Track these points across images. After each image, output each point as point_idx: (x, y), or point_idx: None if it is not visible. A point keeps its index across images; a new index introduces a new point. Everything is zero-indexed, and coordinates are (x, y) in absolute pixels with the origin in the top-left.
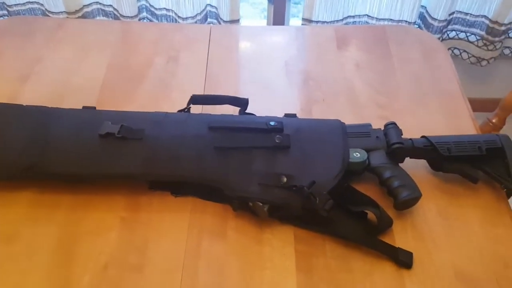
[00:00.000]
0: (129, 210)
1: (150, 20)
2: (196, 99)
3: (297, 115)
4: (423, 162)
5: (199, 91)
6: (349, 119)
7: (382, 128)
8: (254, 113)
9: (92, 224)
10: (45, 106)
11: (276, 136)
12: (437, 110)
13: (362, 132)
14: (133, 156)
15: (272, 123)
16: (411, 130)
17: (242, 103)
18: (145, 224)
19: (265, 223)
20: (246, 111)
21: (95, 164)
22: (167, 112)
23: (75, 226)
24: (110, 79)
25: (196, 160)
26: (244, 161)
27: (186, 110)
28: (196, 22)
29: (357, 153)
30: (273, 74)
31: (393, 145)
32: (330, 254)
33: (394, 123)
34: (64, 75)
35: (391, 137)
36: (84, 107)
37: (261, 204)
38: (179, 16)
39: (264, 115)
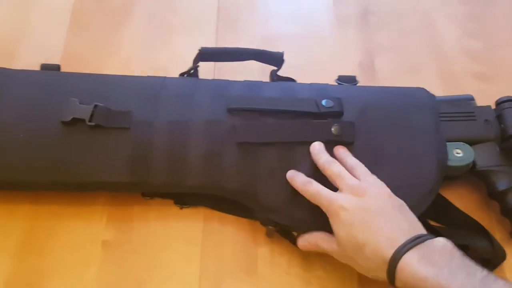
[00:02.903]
0: (114, 229)
1: None
2: (206, 55)
3: (356, 77)
4: None
5: (209, 33)
6: (433, 82)
7: (493, 106)
8: (293, 77)
9: (61, 255)
10: None
11: (333, 125)
12: None
13: (462, 113)
14: (114, 155)
15: (324, 102)
16: None
17: (274, 59)
18: (139, 252)
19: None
20: (280, 71)
21: (57, 168)
22: (165, 77)
23: (36, 258)
24: (81, 16)
25: (209, 162)
26: (283, 164)
27: (192, 71)
28: None
29: (459, 151)
30: (316, 6)
31: None
32: None
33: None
34: (18, 12)
35: (508, 123)
36: (43, 66)
37: None
38: None
39: (305, 81)
